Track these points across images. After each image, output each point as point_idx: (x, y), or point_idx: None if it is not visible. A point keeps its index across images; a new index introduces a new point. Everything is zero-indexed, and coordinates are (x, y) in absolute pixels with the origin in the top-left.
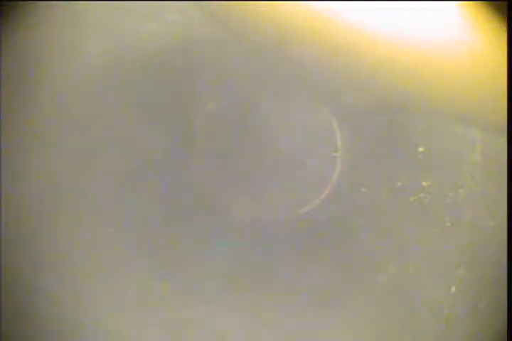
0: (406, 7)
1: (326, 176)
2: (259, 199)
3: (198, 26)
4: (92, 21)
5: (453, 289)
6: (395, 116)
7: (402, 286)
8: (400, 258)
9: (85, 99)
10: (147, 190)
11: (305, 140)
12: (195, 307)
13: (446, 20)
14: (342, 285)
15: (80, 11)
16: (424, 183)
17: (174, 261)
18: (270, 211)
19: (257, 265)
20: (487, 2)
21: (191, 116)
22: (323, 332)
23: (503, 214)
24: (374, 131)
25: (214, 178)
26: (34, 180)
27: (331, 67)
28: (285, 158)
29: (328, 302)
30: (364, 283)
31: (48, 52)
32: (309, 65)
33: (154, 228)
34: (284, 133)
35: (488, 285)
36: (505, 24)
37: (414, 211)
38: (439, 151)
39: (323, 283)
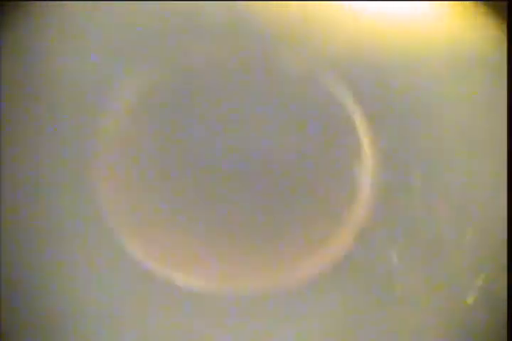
0: (405, 7)
1: None
2: None
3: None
4: (91, 21)
5: None
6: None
7: None
8: None
9: (84, 98)
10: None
11: None
12: None
13: (445, 20)
14: None
15: (79, 11)
16: None
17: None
18: None
19: None
20: (487, 2)
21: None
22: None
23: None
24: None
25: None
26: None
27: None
28: None
29: None
30: None
31: (48, 52)
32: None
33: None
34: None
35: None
36: (505, 24)
37: None
38: None
39: None
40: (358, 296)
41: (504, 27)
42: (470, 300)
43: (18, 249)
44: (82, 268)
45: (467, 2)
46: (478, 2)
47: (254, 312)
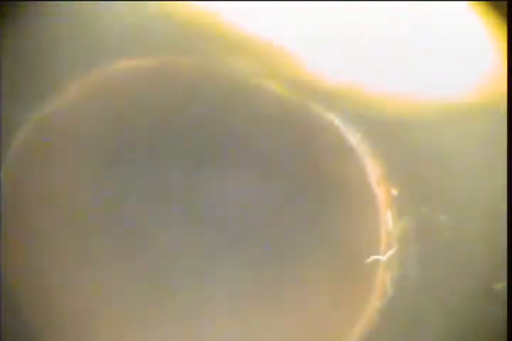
0: (405, 8)
1: None
2: None
3: None
4: (91, 21)
5: None
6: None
7: None
8: None
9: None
10: None
11: None
12: None
13: (445, 20)
14: None
15: (79, 11)
16: None
17: None
18: None
19: None
20: (487, 2)
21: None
22: None
23: None
24: None
25: None
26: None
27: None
28: None
29: None
30: None
31: (48, 52)
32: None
33: None
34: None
35: None
36: (506, 24)
37: None
38: None
39: None
40: None
41: (504, 27)
42: None
43: None
44: None
45: (467, 2)
46: (478, 2)
47: None
